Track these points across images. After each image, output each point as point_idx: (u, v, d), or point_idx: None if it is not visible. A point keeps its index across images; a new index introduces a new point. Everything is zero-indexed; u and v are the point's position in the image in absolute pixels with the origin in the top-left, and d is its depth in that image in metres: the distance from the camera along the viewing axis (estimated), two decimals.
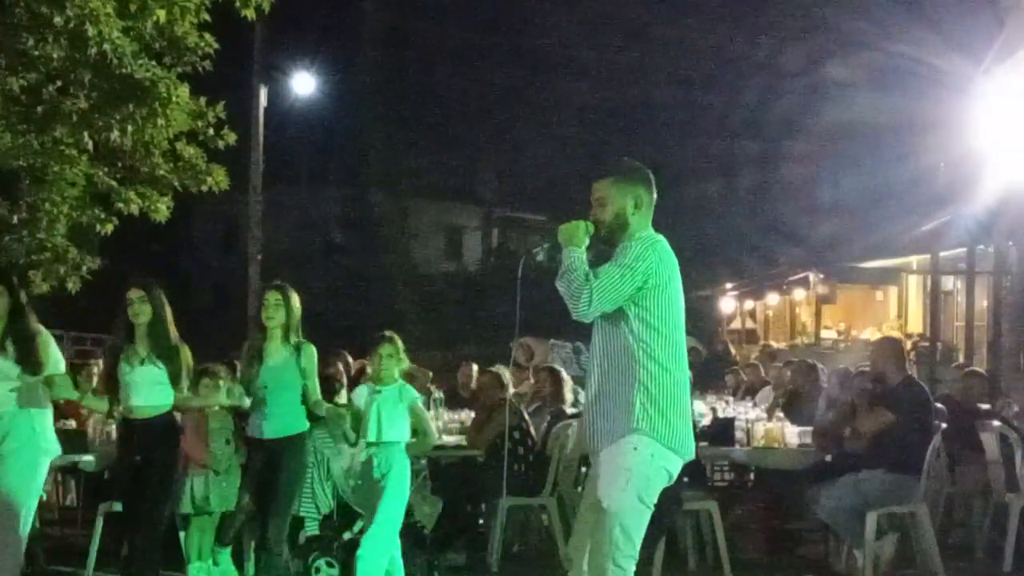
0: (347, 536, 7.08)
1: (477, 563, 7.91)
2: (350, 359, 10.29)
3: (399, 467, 6.34)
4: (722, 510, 7.71)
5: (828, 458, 7.90)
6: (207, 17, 11.58)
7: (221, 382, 6.86)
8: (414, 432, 6.53)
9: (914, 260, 21.84)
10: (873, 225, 23.42)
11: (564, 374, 9.43)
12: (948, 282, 20.77)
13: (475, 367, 10.65)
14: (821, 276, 23.47)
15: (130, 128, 11.26)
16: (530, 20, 35.36)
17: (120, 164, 12.57)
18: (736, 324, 29.23)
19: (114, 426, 6.84)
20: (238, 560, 7.09)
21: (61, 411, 7.92)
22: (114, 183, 12.64)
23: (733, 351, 20.58)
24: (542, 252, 4.65)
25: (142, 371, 6.12)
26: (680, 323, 4.49)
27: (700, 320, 24.38)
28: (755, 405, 10.02)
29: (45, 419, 6.09)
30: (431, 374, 11.85)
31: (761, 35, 30.20)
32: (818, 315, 24.87)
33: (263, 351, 6.44)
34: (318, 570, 6.98)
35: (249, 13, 11.74)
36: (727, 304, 28.88)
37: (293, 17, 20.21)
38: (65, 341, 22.32)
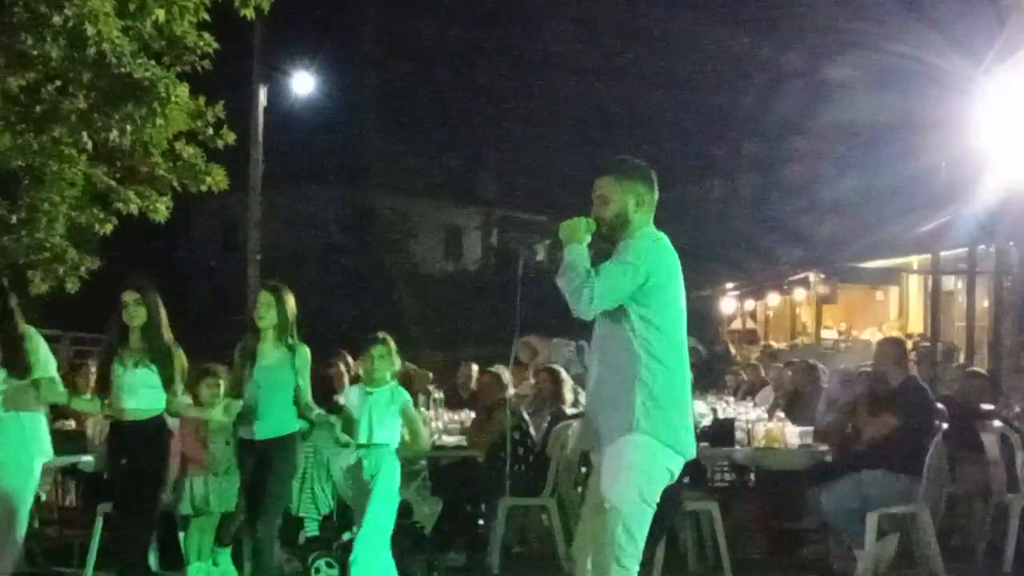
0: (347, 536, 7.07)
1: (477, 563, 7.90)
2: (350, 359, 10.27)
3: (389, 469, 6.33)
4: (722, 510, 7.70)
5: (828, 458, 7.89)
6: (206, 16, 11.59)
7: (221, 389, 6.83)
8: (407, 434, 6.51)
9: (915, 260, 21.81)
10: (873, 225, 23.39)
11: (564, 374, 9.42)
12: (949, 282, 20.75)
13: (475, 367, 10.65)
14: (821, 276, 23.45)
15: (129, 128, 11.26)
16: (530, 20, 35.35)
17: (119, 164, 12.58)
18: (736, 324, 29.20)
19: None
20: (238, 560, 7.08)
21: (60, 411, 7.92)
22: (113, 183, 12.65)
23: (733, 351, 20.58)
24: (542, 249, 4.64)
25: (135, 373, 6.10)
26: (681, 321, 4.48)
27: (700, 320, 24.33)
28: (755, 405, 10.01)
29: (37, 422, 6.08)
30: (431, 375, 11.84)
31: (761, 35, 30.18)
32: (818, 315, 24.85)
33: (256, 351, 6.39)
34: (318, 570, 6.97)
35: (249, 13, 11.75)
36: (727, 304, 28.86)
37: (293, 17, 20.20)
38: (64, 341, 22.30)
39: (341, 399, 6.66)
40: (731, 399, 10.28)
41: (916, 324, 22.69)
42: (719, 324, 27.87)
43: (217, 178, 12.77)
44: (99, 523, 7.21)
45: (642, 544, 4.38)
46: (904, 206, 21.43)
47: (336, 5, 33.83)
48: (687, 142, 32.10)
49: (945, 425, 7.50)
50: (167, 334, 6.22)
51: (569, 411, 8.65)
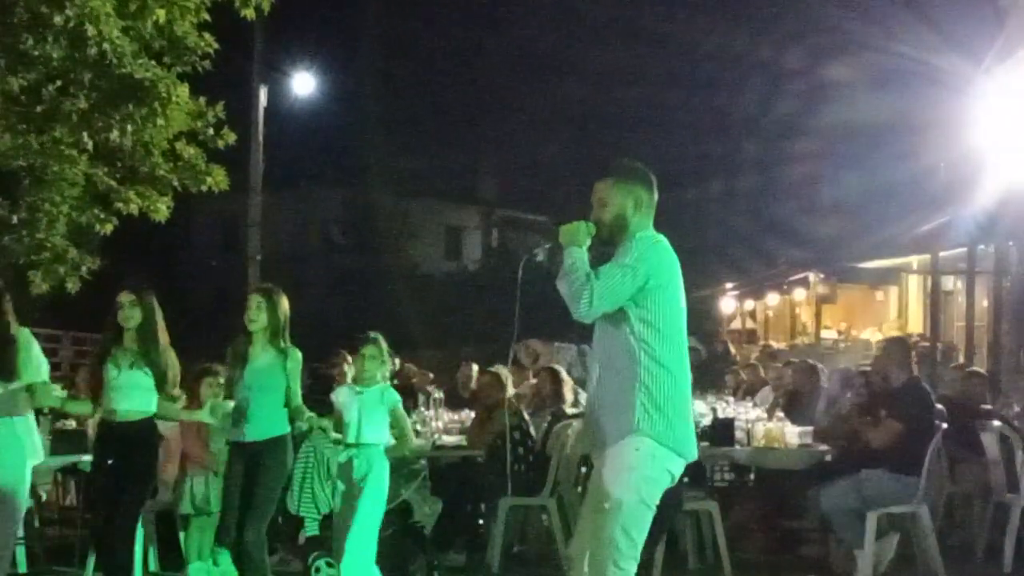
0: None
1: (477, 563, 7.91)
2: (350, 359, 10.27)
3: (378, 470, 6.32)
4: (722, 510, 7.71)
5: (828, 458, 7.90)
6: (207, 17, 11.60)
7: (222, 389, 6.82)
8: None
9: (914, 260, 21.81)
10: (873, 225, 23.41)
11: (564, 374, 9.42)
12: (948, 282, 20.76)
13: (475, 367, 10.65)
14: (821, 276, 23.47)
15: (130, 128, 11.28)
16: (530, 20, 35.36)
17: (120, 164, 12.59)
18: (736, 324, 29.21)
19: None
20: (238, 560, 7.07)
21: (61, 411, 7.92)
22: (114, 183, 12.65)
23: (733, 351, 20.55)
24: (542, 252, 4.64)
25: (129, 375, 6.09)
26: (681, 323, 4.48)
27: (700, 320, 24.34)
28: (755, 405, 10.00)
29: (27, 424, 6.08)
30: (431, 375, 11.85)
31: (761, 35, 30.20)
32: (818, 315, 24.85)
33: (247, 354, 6.33)
34: (318, 570, 6.96)
35: (249, 13, 11.76)
36: (727, 304, 28.87)
37: (293, 17, 20.19)
38: (64, 341, 22.37)
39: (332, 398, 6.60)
40: (731, 399, 10.27)
41: (915, 324, 22.69)
42: (718, 324, 27.87)
43: (217, 178, 12.77)
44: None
45: (640, 546, 4.38)
46: (904, 206, 21.43)
47: (336, 5, 33.85)
48: (687, 142, 32.11)
49: (945, 425, 7.51)
50: (163, 337, 6.20)
51: (569, 411, 8.65)
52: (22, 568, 7.50)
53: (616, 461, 4.36)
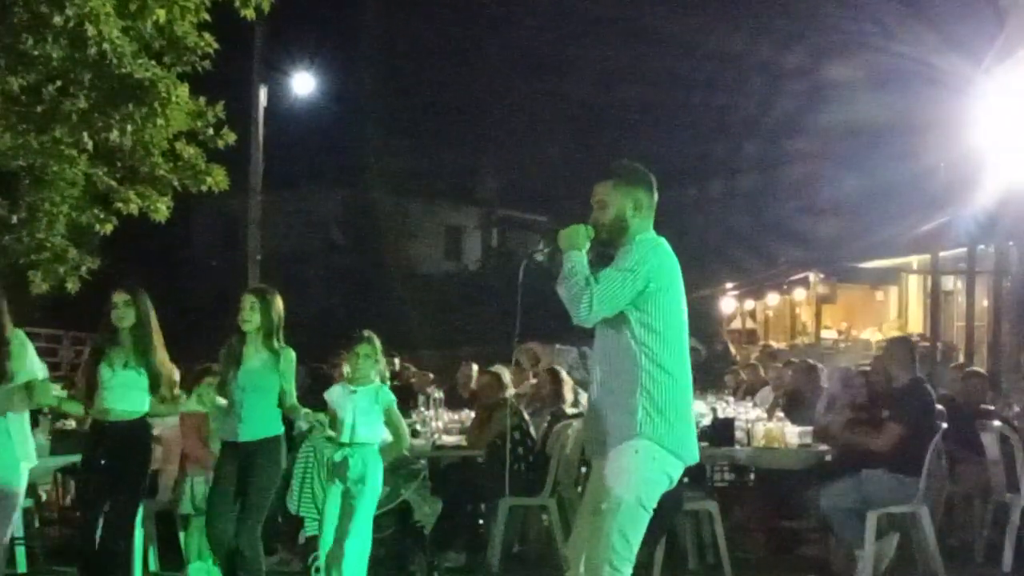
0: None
1: (477, 563, 7.91)
2: None
3: (374, 470, 6.32)
4: (722, 510, 7.71)
5: (828, 458, 7.90)
6: (207, 17, 11.60)
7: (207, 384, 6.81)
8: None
9: (914, 260, 21.83)
10: (873, 225, 23.42)
11: (564, 374, 9.42)
12: (948, 282, 20.77)
13: (475, 367, 10.64)
14: (821, 276, 23.48)
15: (130, 128, 11.27)
16: (530, 20, 35.35)
17: (120, 164, 12.60)
18: (736, 324, 29.21)
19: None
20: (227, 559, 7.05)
21: (60, 411, 7.92)
22: (114, 183, 12.66)
23: (733, 351, 20.57)
24: (542, 254, 4.63)
25: (123, 375, 6.10)
26: (682, 326, 4.47)
27: (700, 320, 24.32)
28: (755, 405, 10.01)
29: (21, 426, 6.08)
30: (431, 375, 11.84)
31: (761, 35, 30.19)
32: (818, 315, 24.86)
33: (241, 354, 6.31)
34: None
35: (249, 13, 11.76)
36: (727, 304, 28.87)
37: (293, 17, 20.18)
38: (64, 341, 22.38)
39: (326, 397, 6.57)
40: (731, 399, 10.27)
41: (915, 324, 22.70)
42: (718, 324, 27.87)
43: (217, 178, 12.77)
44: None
45: (636, 548, 4.37)
46: (904, 206, 21.45)
47: (336, 5, 33.84)
48: (687, 142, 32.11)
49: (945, 425, 7.51)
50: (156, 338, 6.21)
51: (569, 411, 8.65)
52: (22, 568, 7.50)
53: (616, 463, 4.35)
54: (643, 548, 4.43)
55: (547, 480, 7.80)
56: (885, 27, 22.17)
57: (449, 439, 8.46)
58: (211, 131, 12.45)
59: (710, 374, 13.55)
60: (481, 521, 8.33)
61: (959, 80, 16.10)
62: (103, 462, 6.11)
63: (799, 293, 25.81)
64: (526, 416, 8.45)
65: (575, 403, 8.80)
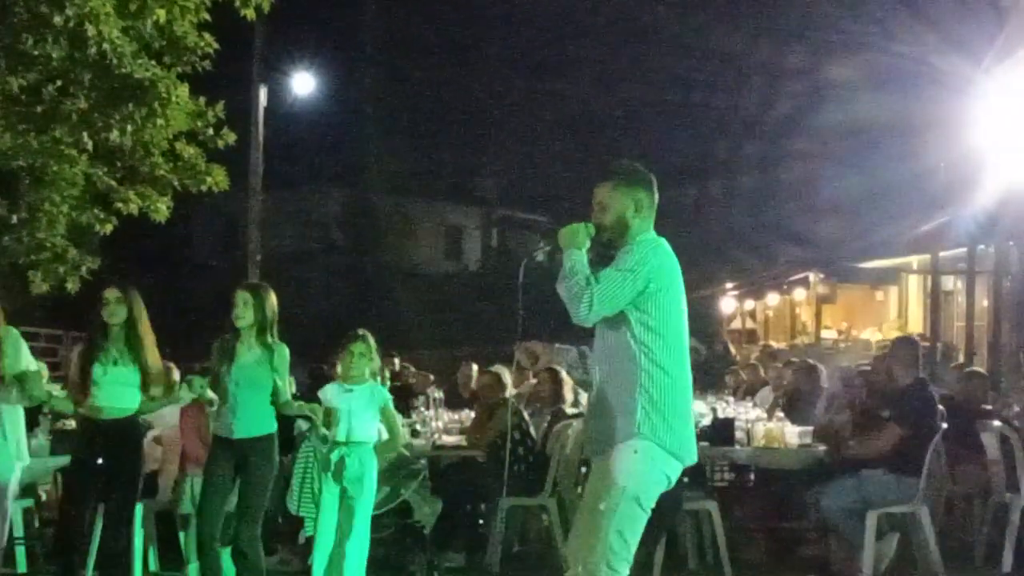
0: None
1: (477, 563, 7.90)
2: None
3: (370, 469, 6.32)
4: (722, 510, 7.70)
5: (828, 458, 7.89)
6: (207, 17, 11.59)
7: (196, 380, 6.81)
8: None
9: (914, 260, 21.84)
10: (873, 225, 23.44)
11: (564, 374, 9.41)
12: (948, 282, 20.78)
13: (475, 367, 10.65)
14: (821, 276, 23.51)
15: (130, 128, 11.27)
16: (530, 20, 35.35)
17: (120, 164, 12.59)
18: (736, 324, 29.24)
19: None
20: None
21: (60, 412, 7.92)
22: (114, 183, 12.66)
23: (733, 351, 20.57)
24: (542, 253, 4.63)
25: (115, 372, 6.10)
26: (682, 327, 4.47)
27: (700, 320, 24.33)
28: (755, 405, 10.01)
29: (15, 424, 6.07)
30: (432, 377, 11.84)
31: (761, 35, 30.19)
32: (818, 315, 24.88)
33: (234, 350, 6.28)
34: None
35: (249, 13, 11.75)
36: (727, 304, 28.89)
37: (293, 17, 20.19)
38: (64, 341, 22.36)
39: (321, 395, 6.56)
40: (731, 399, 10.28)
41: (915, 324, 22.71)
42: (718, 324, 27.89)
43: (217, 178, 12.77)
44: (99, 523, 7.20)
45: (633, 548, 4.37)
46: (904, 206, 21.46)
47: (336, 5, 33.84)
48: (687, 142, 32.12)
49: (945, 425, 7.51)
50: (148, 335, 6.21)
51: (569, 411, 8.65)
52: (22, 568, 7.49)
53: (614, 463, 4.35)
54: (643, 548, 4.43)
55: (547, 480, 7.80)
56: (885, 27, 22.18)
57: (449, 439, 8.46)
58: (211, 131, 12.44)
59: (710, 374, 13.54)
60: (481, 521, 8.32)
61: (959, 80, 16.11)
62: (100, 461, 6.10)
63: (799, 293, 25.84)
64: (526, 416, 8.45)
65: (575, 403, 8.80)
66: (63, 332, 21.99)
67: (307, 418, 6.52)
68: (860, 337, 23.83)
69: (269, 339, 6.28)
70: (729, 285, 28.91)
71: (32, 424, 7.44)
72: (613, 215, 4.50)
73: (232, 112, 12.84)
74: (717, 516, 7.57)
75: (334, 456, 6.28)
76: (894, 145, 21.83)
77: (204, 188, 12.82)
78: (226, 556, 6.89)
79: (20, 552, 7.48)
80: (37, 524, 8.10)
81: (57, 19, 10.15)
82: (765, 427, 8.12)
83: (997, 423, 8.16)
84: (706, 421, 8.34)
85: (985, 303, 18.38)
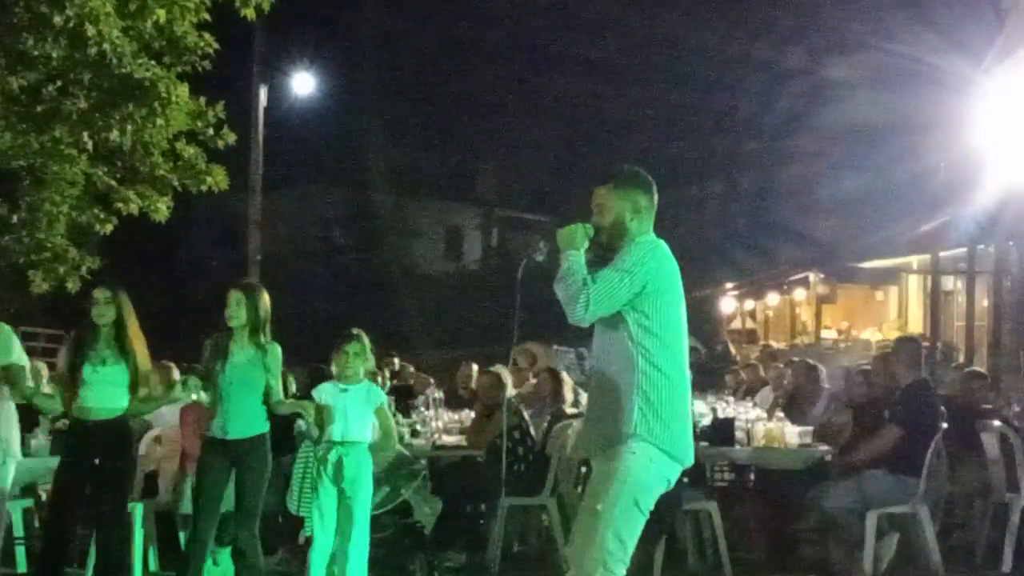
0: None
1: (477, 563, 7.90)
2: None
3: (367, 469, 6.32)
4: (722, 510, 7.70)
5: (828, 458, 7.90)
6: (207, 17, 11.60)
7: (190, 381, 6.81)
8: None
9: (914, 260, 21.84)
10: (873, 225, 23.44)
11: (564, 374, 9.42)
12: (948, 282, 20.78)
13: (475, 367, 10.64)
14: (821, 276, 23.50)
15: (130, 128, 11.28)
16: (530, 20, 35.38)
17: (120, 164, 12.60)
18: (736, 324, 29.22)
19: None
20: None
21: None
22: (113, 183, 12.66)
23: (733, 351, 20.59)
24: (542, 253, 4.64)
25: (103, 372, 6.11)
26: (680, 328, 4.47)
27: (700, 320, 24.36)
28: (755, 405, 10.01)
29: (8, 423, 6.08)
30: (432, 380, 11.84)
31: (761, 35, 30.21)
32: (818, 315, 24.88)
33: (228, 349, 6.26)
34: None
35: (249, 13, 11.76)
36: (727, 304, 28.88)
37: (293, 17, 20.20)
38: (65, 341, 22.38)
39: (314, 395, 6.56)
40: (731, 399, 10.28)
41: (916, 324, 22.70)
42: (718, 324, 27.88)
43: (217, 178, 12.78)
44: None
45: (631, 550, 4.36)
46: (904, 206, 21.46)
47: (336, 5, 33.85)
48: (687, 142, 32.12)
49: (945, 425, 7.51)
50: (135, 334, 6.21)
51: (569, 411, 8.65)
52: (22, 568, 7.50)
53: (612, 465, 4.35)
54: (643, 548, 4.43)
55: (547, 480, 7.80)
56: (885, 27, 22.18)
57: (449, 439, 8.46)
58: (211, 131, 12.45)
59: (710, 374, 13.55)
60: (481, 521, 8.32)
61: (959, 80, 16.12)
62: (97, 461, 6.10)
63: (799, 293, 25.83)
64: (526, 416, 8.45)
65: (575, 403, 8.80)
66: (63, 332, 22.00)
67: (299, 415, 6.51)
68: (860, 337, 23.83)
69: (262, 339, 6.27)
70: (729, 285, 28.90)
71: (32, 424, 7.44)
72: (611, 217, 4.50)
73: (232, 112, 12.85)
74: (717, 516, 7.57)
75: (332, 456, 6.28)
76: (894, 145, 21.82)
77: (204, 188, 12.83)
78: (226, 556, 6.90)
79: (20, 552, 7.48)
80: (37, 524, 8.10)
81: (57, 19, 10.16)
82: (765, 427, 8.13)
83: (997, 423, 8.16)
84: (706, 421, 8.34)
85: (985, 303, 18.38)
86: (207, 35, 11.69)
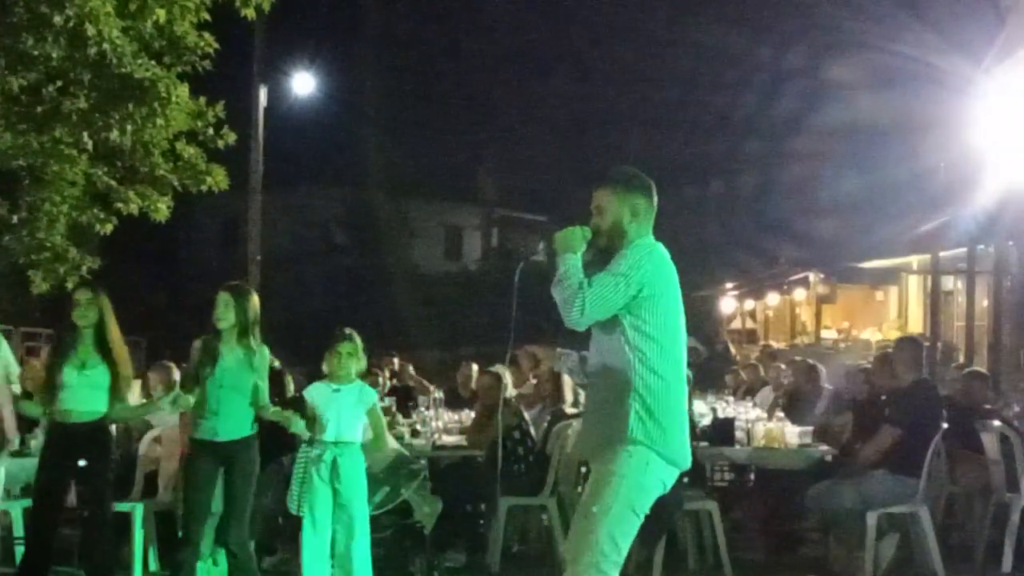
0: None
1: (477, 563, 7.90)
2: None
3: (361, 469, 6.32)
4: (722, 510, 7.71)
5: (828, 458, 7.90)
6: (207, 17, 11.59)
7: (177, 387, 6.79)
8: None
9: (914, 260, 21.83)
10: (873, 225, 23.44)
11: (565, 375, 9.41)
12: (948, 282, 20.77)
13: (475, 367, 10.64)
14: (821, 276, 23.49)
15: (130, 128, 11.27)
16: (530, 20, 35.37)
17: (120, 164, 12.59)
18: (736, 324, 29.23)
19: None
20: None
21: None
22: (114, 183, 12.66)
23: (733, 351, 20.58)
24: (541, 253, 4.63)
25: (85, 374, 6.10)
26: (678, 332, 4.46)
27: (700, 320, 24.36)
28: (755, 405, 10.02)
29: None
30: (432, 387, 11.83)
31: (761, 35, 30.22)
32: (818, 315, 24.88)
33: (217, 352, 6.23)
34: None
35: (249, 13, 11.75)
36: (727, 304, 28.89)
37: (293, 17, 20.21)
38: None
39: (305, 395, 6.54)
40: (731, 399, 10.29)
41: (916, 324, 22.70)
42: (718, 324, 27.89)
43: (217, 178, 12.77)
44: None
45: (625, 552, 4.36)
46: (904, 206, 21.46)
47: (336, 5, 33.86)
48: (687, 142, 32.13)
49: (945, 425, 7.51)
50: (117, 338, 6.20)
51: (569, 411, 8.65)
52: None
53: (609, 467, 4.35)
54: (643, 548, 4.44)
55: (547, 480, 7.80)
56: (885, 27, 22.16)
57: (449, 439, 8.46)
58: (211, 131, 12.44)
59: (710, 374, 13.54)
60: (481, 521, 8.32)
61: (959, 80, 16.11)
62: (82, 463, 6.10)
63: (799, 293, 25.82)
64: (526, 416, 8.45)
65: (575, 403, 8.80)
66: None
67: (280, 424, 6.48)
68: (860, 337, 23.84)
69: (251, 341, 6.25)
70: (729, 285, 28.91)
71: (32, 424, 7.44)
72: (610, 220, 4.50)
73: (232, 112, 12.84)
74: (717, 516, 7.57)
75: (326, 457, 6.27)
76: (894, 145, 21.83)
77: (204, 188, 12.82)
78: (220, 556, 6.90)
79: (20, 552, 7.47)
80: None
81: (57, 19, 10.15)
82: (765, 427, 8.13)
83: (997, 423, 8.16)
84: (706, 421, 8.34)
85: (985, 303, 18.37)
86: (207, 35, 11.68)
